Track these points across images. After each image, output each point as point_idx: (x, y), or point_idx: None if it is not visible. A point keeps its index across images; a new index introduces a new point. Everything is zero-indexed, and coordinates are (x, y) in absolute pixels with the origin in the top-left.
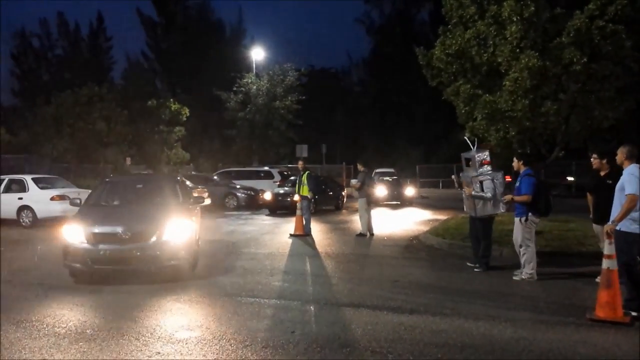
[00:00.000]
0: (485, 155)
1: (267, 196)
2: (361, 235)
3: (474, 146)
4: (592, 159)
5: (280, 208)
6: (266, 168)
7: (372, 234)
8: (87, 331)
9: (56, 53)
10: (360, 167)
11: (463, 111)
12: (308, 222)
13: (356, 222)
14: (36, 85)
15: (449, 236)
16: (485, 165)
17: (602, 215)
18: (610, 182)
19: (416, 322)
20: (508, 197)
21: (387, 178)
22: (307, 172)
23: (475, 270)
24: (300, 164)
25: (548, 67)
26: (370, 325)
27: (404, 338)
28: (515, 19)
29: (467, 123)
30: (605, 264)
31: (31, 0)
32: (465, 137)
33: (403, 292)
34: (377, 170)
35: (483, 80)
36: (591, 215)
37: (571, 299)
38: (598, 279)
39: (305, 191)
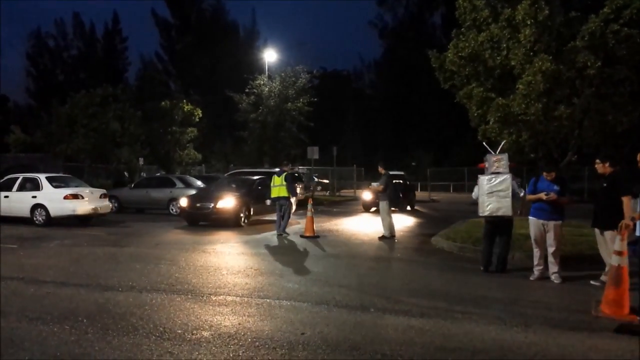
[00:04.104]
0: (485, 159)
1: (183, 202)
2: (385, 237)
3: (493, 150)
4: (595, 165)
5: (201, 218)
6: (277, 169)
7: (393, 236)
8: (96, 328)
9: (71, 53)
10: (381, 170)
11: (476, 114)
12: (285, 222)
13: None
14: (51, 85)
15: (459, 240)
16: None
17: (597, 218)
18: (605, 185)
19: (427, 325)
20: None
21: (398, 181)
22: (285, 173)
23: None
24: (288, 166)
25: (562, 71)
26: (381, 327)
27: (415, 342)
28: (529, 23)
29: (480, 126)
30: (615, 260)
31: (47, 0)
32: (484, 143)
33: (413, 295)
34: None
35: (496, 83)
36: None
37: (583, 303)
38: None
39: (284, 192)
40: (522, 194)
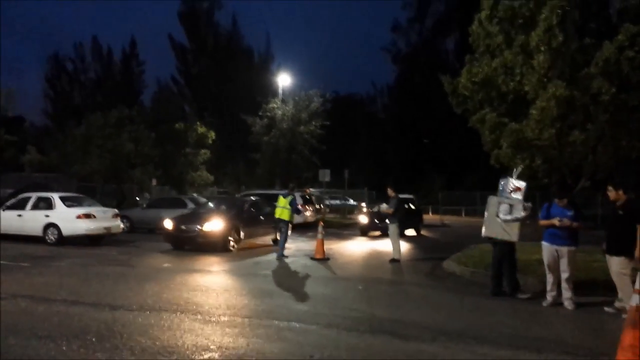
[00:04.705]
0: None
1: (168, 224)
2: (394, 260)
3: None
4: (608, 192)
5: (186, 242)
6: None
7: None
8: (104, 347)
9: (89, 76)
10: (391, 193)
11: (489, 139)
12: (281, 246)
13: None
14: (68, 107)
15: (471, 264)
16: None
17: (611, 245)
18: (621, 213)
19: (438, 350)
20: None
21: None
22: (291, 197)
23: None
24: (294, 189)
25: (576, 97)
26: (391, 352)
27: None
28: (543, 49)
29: (493, 151)
30: (635, 300)
31: (67, 24)
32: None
33: (424, 320)
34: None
35: (509, 108)
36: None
37: (596, 329)
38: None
39: (285, 215)
40: (513, 217)
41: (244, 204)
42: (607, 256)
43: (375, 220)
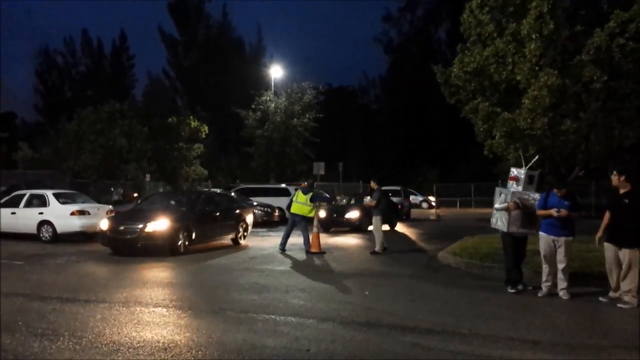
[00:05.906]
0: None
1: (104, 224)
2: (375, 252)
3: (525, 164)
4: (612, 176)
5: (126, 244)
6: (283, 185)
7: (385, 248)
8: (101, 345)
9: (80, 70)
10: (374, 186)
11: (481, 129)
12: (305, 239)
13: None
14: (59, 102)
15: (466, 255)
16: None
17: (618, 236)
18: (627, 201)
19: (433, 342)
20: None
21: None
22: (311, 194)
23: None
24: (308, 182)
25: (568, 85)
26: (387, 344)
27: (421, 359)
28: (534, 37)
29: (486, 141)
30: None
31: (56, 18)
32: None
33: (420, 312)
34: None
35: (502, 98)
36: (599, 234)
37: (592, 320)
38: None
39: (305, 211)
40: (500, 207)
41: (196, 200)
42: (607, 244)
43: (334, 215)
